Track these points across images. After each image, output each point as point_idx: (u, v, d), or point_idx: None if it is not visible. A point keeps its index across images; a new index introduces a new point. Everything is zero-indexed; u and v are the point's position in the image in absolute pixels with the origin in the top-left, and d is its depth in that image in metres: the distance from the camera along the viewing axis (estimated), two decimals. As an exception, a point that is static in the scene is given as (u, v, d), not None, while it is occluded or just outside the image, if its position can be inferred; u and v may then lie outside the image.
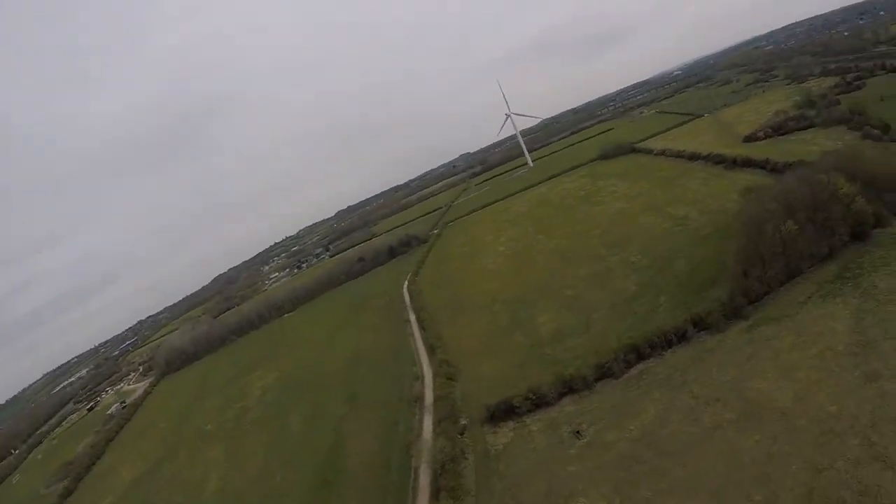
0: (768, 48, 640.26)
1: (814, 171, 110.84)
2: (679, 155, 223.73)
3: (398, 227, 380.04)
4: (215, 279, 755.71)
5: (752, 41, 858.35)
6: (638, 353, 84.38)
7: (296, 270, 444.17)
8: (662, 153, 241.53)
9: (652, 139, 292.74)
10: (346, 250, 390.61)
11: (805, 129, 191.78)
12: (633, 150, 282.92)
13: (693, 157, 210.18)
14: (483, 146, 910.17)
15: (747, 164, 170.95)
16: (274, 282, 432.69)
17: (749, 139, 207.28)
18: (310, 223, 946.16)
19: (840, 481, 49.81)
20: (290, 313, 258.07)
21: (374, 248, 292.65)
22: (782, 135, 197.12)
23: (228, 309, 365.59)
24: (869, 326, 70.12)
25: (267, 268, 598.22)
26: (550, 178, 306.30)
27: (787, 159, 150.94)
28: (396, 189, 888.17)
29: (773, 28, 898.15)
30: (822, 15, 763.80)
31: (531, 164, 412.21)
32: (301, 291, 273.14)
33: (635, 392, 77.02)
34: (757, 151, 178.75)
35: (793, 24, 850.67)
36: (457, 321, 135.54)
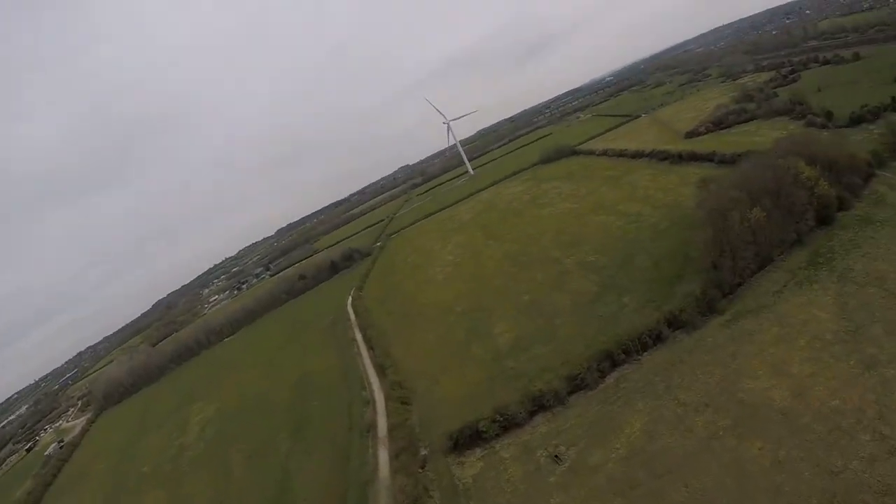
0: (699, 50, 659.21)
1: (772, 158, 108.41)
2: (622, 154, 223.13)
3: (340, 241, 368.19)
4: (155, 304, 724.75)
5: (681, 45, 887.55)
6: (612, 360, 77.42)
7: (235, 292, 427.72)
8: (605, 153, 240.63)
9: (592, 141, 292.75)
10: (286, 268, 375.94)
11: (746, 121, 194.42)
12: (575, 153, 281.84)
13: (636, 156, 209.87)
14: (422, 157, 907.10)
15: (693, 157, 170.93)
16: (214, 305, 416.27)
17: (691, 135, 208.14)
18: (249, 243, 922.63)
19: (859, 483, 44.89)
20: (231, 337, 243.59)
21: (315, 264, 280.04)
22: (724, 129, 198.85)
23: (167, 336, 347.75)
24: (854, 310, 66.51)
25: (207, 291, 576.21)
26: (493, 184, 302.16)
27: (734, 150, 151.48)
28: (337, 205, 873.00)
29: (701, 31, 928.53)
30: (747, 17, 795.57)
31: (472, 172, 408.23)
32: (241, 313, 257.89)
33: (615, 404, 69.96)
34: (701, 146, 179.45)
35: (721, 27, 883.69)
36: (407, 337, 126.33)
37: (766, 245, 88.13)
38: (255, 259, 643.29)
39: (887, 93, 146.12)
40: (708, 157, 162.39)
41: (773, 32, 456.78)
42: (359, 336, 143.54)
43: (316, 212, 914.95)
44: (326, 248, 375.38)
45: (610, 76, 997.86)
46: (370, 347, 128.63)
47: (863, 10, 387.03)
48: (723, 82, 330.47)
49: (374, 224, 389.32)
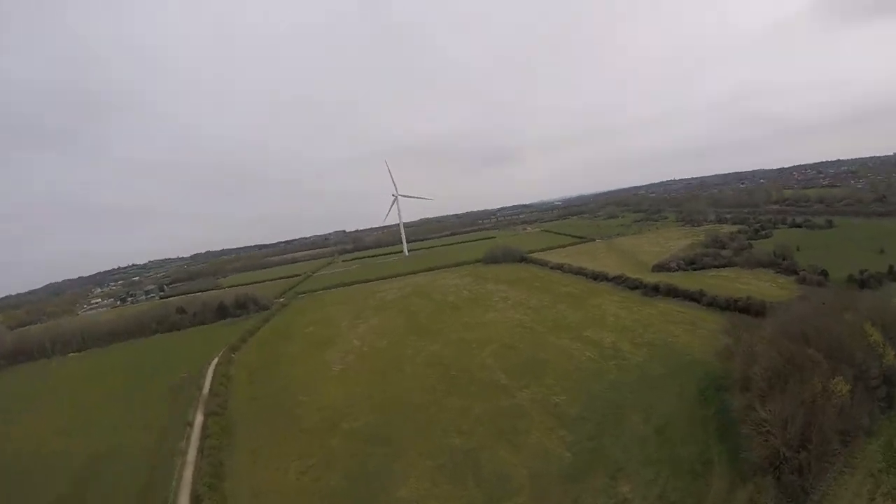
0: (652, 194, 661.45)
1: (833, 311, 76.05)
2: (580, 272, 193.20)
3: (246, 284, 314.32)
4: (47, 286, 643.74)
5: (630, 189, 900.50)
6: None
7: (118, 302, 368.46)
8: (559, 268, 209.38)
9: (542, 252, 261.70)
10: (180, 295, 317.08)
11: (723, 266, 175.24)
12: (524, 260, 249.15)
13: (598, 277, 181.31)
14: (360, 227, 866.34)
15: (672, 293, 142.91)
16: (93, 308, 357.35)
17: (660, 268, 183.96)
18: (162, 257, 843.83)
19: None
20: (76, 353, 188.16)
21: (202, 301, 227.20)
22: (698, 269, 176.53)
23: (29, 324, 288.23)
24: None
25: (99, 290, 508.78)
26: (429, 270, 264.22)
27: (728, 294, 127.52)
28: (261, 248, 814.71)
29: (652, 181, 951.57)
30: (698, 177, 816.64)
31: (406, 253, 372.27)
32: (102, 330, 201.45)
33: None
34: (680, 281, 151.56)
35: (670, 180, 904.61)
36: (264, 453, 78.60)
37: (839, 431, 55.19)
38: (159, 275, 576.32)
39: (879, 261, 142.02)
40: (692, 296, 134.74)
41: (730, 190, 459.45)
42: (199, 419, 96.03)
43: (238, 247, 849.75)
44: (231, 286, 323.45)
45: (559, 201, 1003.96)
46: (201, 451, 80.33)
47: (822, 186, 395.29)
48: (682, 226, 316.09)
49: (288, 277, 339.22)
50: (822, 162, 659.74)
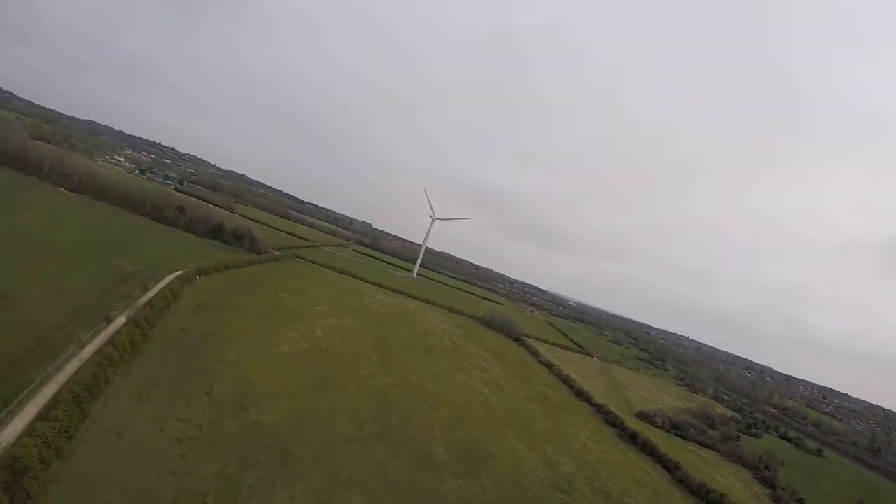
0: (661, 340, 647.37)
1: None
2: (566, 381, 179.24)
3: (255, 221, 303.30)
4: (87, 121, 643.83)
5: (642, 325, 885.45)
6: None
7: (137, 171, 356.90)
8: (548, 365, 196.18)
9: (539, 343, 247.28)
10: (192, 196, 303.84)
11: (706, 446, 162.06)
12: (518, 340, 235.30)
13: (581, 395, 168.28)
14: (385, 229, 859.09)
15: (649, 450, 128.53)
16: (112, 164, 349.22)
17: (643, 416, 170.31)
18: (202, 154, 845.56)
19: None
20: (66, 191, 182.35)
21: (204, 211, 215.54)
22: (680, 437, 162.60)
23: (49, 142, 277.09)
24: None
25: (129, 152, 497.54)
26: (425, 302, 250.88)
27: (702, 479, 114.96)
28: (291, 198, 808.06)
29: (666, 328, 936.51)
30: (710, 346, 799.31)
31: (415, 275, 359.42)
32: (101, 182, 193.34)
33: None
34: (661, 442, 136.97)
35: (682, 336, 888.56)
36: (153, 397, 64.44)
37: None
38: (188, 168, 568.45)
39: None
40: (667, 464, 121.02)
41: (740, 374, 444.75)
42: (119, 321, 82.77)
43: (272, 187, 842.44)
44: (241, 216, 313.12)
45: (573, 302, 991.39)
46: (99, 352, 68.54)
47: (823, 412, 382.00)
48: (679, 385, 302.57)
49: (298, 236, 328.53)
50: (829, 388, 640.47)
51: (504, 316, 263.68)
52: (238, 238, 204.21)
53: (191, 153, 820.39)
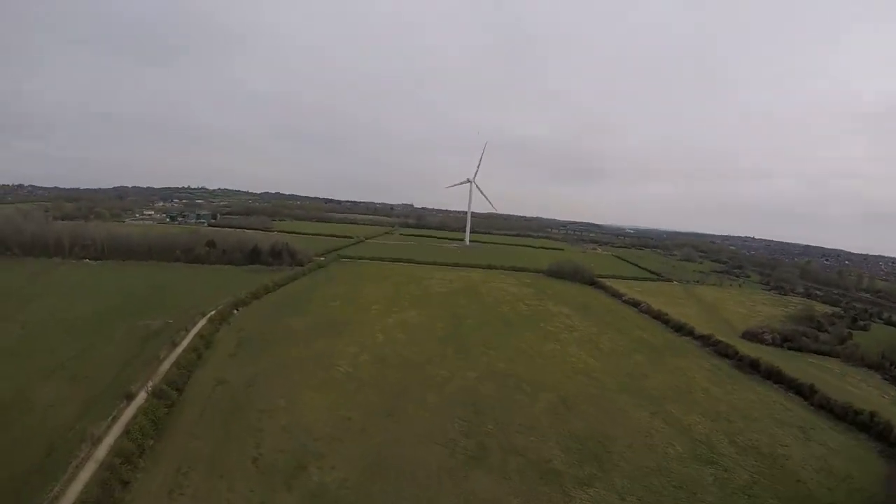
0: (731, 247, 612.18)
1: None
2: (659, 317, 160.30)
3: (298, 233, 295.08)
4: (115, 188, 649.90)
5: (704, 235, 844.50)
6: None
7: (168, 220, 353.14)
8: (635, 304, 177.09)
9: (613, 280, 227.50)
10: (228, 227, 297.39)
11: (824, 353, 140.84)
12: (593, 283, 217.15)
13: (680, 329, 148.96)
14: (427, 206, 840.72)
15: (774, 376, 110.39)
16: (143, 220, 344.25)
17: (751, 337, 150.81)
18: (233, 188, 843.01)
19: None
20: (93, 261, 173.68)
21: (237, 239, 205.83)
22: (793, 349, 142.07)
23: (75, 220, 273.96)
24: None
25: (161, 203, 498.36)
26: (487, 268, 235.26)
27: (840, 398, 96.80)
28: (328, 201, 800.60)
29: (729, 234, 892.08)
30: (779, 241, 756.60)
31: (468, 242, 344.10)
32: (124, 243, 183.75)
33: None
34: (783, 363, 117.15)
35: (748, 237, 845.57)
36: (187, 486, 52.75)
37: None
38: (221, 203, 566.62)
39: None
40: (800, 389, 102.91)
41: (826, 261, 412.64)
42: (142, 396, 70.03)
43: (308, 196, 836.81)
44: (281, 230, 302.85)
45: (630, 229, 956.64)
46: (114, 447, 55.58)
47: None
48: (767, 290, 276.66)
49: (341, 236, 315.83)
50: None
51: (570, 262, 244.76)
52: (276, 256, 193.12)
53: (222, 188, 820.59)
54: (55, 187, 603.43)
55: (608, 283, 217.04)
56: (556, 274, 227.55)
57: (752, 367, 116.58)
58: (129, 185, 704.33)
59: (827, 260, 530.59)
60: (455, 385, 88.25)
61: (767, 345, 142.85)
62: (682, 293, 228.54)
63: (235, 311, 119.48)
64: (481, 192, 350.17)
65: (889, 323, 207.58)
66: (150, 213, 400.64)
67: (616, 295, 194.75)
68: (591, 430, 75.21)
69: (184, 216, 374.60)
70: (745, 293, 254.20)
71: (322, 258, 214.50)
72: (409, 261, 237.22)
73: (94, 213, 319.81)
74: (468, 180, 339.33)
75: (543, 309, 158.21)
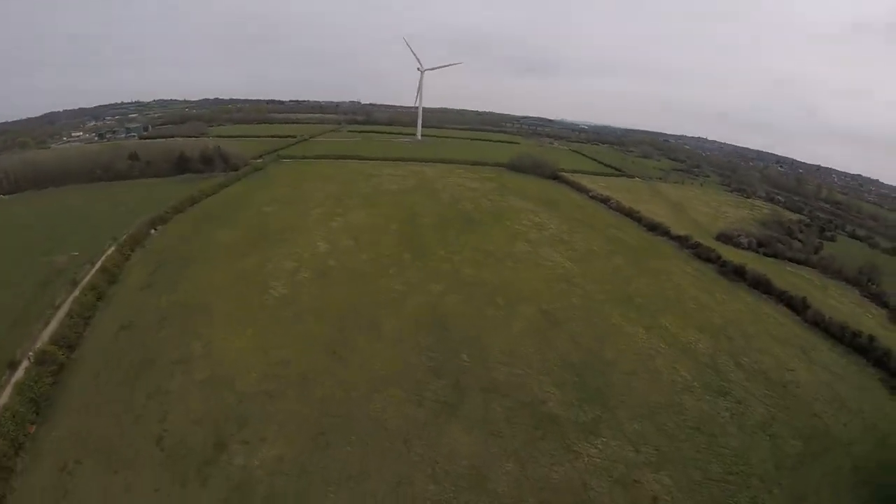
0: (686, 146, 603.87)
1: None
2: (631, 215, 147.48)
3: (235, 137, 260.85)
4: (45, 115, 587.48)
5: (657, 133, 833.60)
6: None
7: (96, 138, 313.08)
8: (604, 200, 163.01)
9: (577, 175, 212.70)
10: (162, 137, 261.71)
11: (799, 262, 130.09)
12: (556, 178, 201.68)
13: (653, 229, 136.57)
14: (375, 102, 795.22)
15: (764, 287, 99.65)
16: (70, 142, 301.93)
17: (724, 239, 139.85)
18: (168, 97, 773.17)
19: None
20: (2, 195, 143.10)
21: (161, 148, 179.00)
22: (769, 255, 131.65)
23: None
24: None
25: (92, 123, 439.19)
26: (442, 161, 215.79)
27: (832, 315, 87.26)
28: (270, 102, 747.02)
29: (684, 133, 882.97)
30: (732, 145, 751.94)
31: (419, 137, 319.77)
32: (37, 170, 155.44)
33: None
34: (769, 271, 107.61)
35: (701, 138, 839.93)
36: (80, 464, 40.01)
37: None
38: (156, 114, 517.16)
39: None
40: (792, 303, 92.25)
41: (780, 167, 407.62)
42: (38, 346, 53.79)
43: (248, 99, 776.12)
44: (218, 136, 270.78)
45: (584, 125, 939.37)
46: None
47: (869, 202, 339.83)
48: (729, 192, 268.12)
49: (283, 136, 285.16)
50: (860, 175, 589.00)
51: (530, 155, 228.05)
52: (207, 162, 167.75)
53: (158, 99, 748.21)
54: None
55: (570, 177, 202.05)
56: (517, 168, 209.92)
57: (737, 273, 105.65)
58: (61, 110, 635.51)
59: (780, 166, 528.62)
60: (415, 302, 72.97)
61: (742, 248, 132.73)
62: (647, 190, 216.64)
63: (153, 231, 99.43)
64: (439, 67, 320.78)
65: (853, 236, 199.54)
66: (78, 134, 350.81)
67: (582, 190, 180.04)
68: (584, 354, 62.34)
69: (114, 132, 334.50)
70: (709, 193, 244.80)
71: (260, 160, 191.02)
72: (355, 157, 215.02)
73: (17, 143, 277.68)
74: (419, 70, 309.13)
75: (508, 205, 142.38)
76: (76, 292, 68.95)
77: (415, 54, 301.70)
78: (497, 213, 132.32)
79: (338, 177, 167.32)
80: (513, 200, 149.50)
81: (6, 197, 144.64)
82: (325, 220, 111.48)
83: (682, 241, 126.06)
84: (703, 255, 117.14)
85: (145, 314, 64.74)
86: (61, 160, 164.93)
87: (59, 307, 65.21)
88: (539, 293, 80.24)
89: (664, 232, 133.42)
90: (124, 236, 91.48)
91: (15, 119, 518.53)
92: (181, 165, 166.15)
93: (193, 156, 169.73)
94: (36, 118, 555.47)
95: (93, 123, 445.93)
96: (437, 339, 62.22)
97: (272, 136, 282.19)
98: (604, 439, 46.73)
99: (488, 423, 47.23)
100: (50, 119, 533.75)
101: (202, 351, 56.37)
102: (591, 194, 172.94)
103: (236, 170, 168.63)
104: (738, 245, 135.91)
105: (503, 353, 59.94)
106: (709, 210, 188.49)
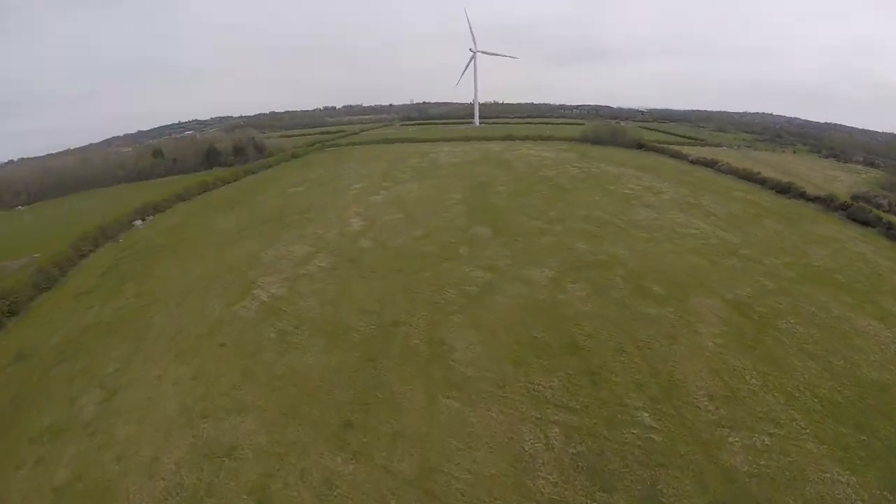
0: (755, 121, 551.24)
1: None
2: (749, 177, 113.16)
3: (280, 137, 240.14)
4: (106, 140, 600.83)
5: (721, 112, 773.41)
6: None
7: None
8: (709, 164, 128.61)
9: (664, 145, 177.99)
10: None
11: None
12: (642, 147, 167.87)
13: (783, 191, 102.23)
14: (428, 100, 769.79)
15: None
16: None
17: (865, 200, 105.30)
18: (225, 115, 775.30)
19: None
20: (22, 208, 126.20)
21: (193, 144, 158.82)
22: None
23: None
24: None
25: (148, 143, 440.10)
26: (508, 139, 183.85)
27: None
28: (325, 110, 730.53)
29: (748, 110, 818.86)
30: (800, 118, 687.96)
31: (477, 123, 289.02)
32: (52, 178, 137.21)
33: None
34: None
35: (766, 113, 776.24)
36: None
37: None
38: (213, 130, 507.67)
39: None
40: None
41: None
42: None
43: (304, 110, 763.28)
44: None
45: (642, 109, 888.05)
46: None
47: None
48: (824, 158, 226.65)
49: (331, 132, 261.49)
50: None
51: (608, 125, 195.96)
52: (239, 153, 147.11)
53: (215, 116, 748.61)
54: (48, 154, 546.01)
55: (657, 145, 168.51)
56: (595, 139, 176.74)
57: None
58: (121, 134, 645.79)
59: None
60: (509, 297, 44.00)
61: (885, 212, 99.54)
62: (742, 157, 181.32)
63: (140, 222, 77.95)
64: (492, 54, 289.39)
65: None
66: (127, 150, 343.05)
67: (677, 156, 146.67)
68: (839, 379, 31.84)
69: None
70: (806, 160, 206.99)
71: (297, 147, 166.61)
72: (409, 139, 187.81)
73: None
74: (471, 51, 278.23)
75: (600, 171, 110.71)
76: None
77: (472, 30, 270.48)
78: (591, 178, 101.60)
79: (385, 156, 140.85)
80: (604, 166, 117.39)
81: (22, 208, 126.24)
82: (363, 196, 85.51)
83: (826, 203, 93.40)
84: (859, 218, 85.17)
85: (54, 336, 40.09)
86: (83, 165, 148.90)
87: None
88: (706, 274, 50.74)
89: (800, 193, 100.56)
90: (94, 231, 68.47)
91: (77, 146, 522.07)
92: (210, 159, 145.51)
93: (224, 148, 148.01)
94: (97, 143, 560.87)
95: (148, 143, 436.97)
96: (567, 378, 32.93)
97: (319, 133, 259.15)
98: None
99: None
100: (108, 143, 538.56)
101: (92, 413, 30.63)
102: (690, 159, 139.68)
103: (268, 156, 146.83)
104: (878, 206, 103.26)
105: (709, 395, 30.13)
106: (817, 174, 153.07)
